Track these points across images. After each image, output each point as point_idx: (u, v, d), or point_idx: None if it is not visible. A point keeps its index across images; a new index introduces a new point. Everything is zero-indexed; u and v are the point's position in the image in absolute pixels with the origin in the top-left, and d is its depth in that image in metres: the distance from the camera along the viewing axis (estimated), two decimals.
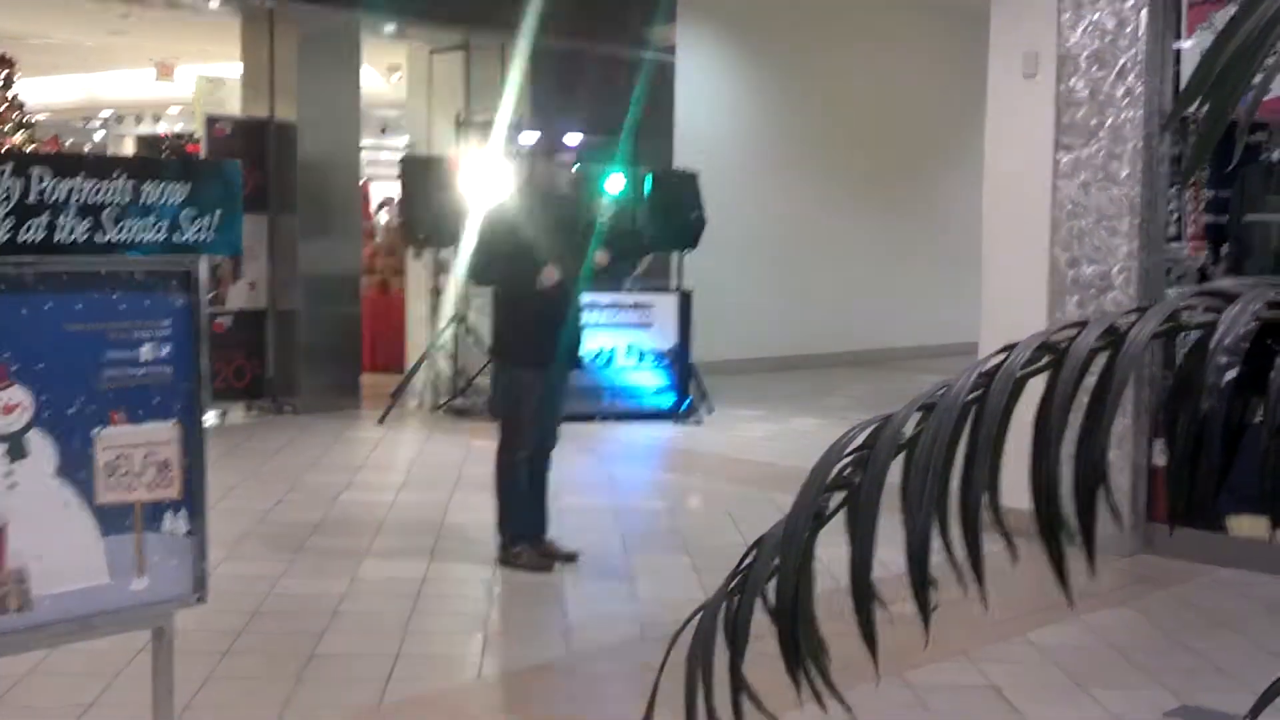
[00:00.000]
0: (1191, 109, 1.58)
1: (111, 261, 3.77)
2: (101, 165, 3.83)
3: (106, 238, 3.75)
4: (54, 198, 3.66)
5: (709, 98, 13.16)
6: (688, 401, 10.24)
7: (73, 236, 3.69)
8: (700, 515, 7.19)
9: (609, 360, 10.06)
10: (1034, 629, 5.11)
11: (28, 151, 15.75)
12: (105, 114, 24.92)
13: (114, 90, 21.81)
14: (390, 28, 11.48)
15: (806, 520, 1.68)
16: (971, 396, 1.67)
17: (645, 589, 5.74)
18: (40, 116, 21.16)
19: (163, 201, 3.85)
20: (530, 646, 5.07)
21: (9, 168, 3.60)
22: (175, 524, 3.85)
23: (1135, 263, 6.38)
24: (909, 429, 1.69)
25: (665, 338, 10.22)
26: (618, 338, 10.08)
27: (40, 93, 20.47)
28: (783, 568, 1.67)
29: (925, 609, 1.60)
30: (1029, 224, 6.72)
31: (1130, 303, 6.32)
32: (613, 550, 6.39)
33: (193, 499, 3.86)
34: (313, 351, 10.27)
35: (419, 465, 8.55)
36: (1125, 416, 6.33)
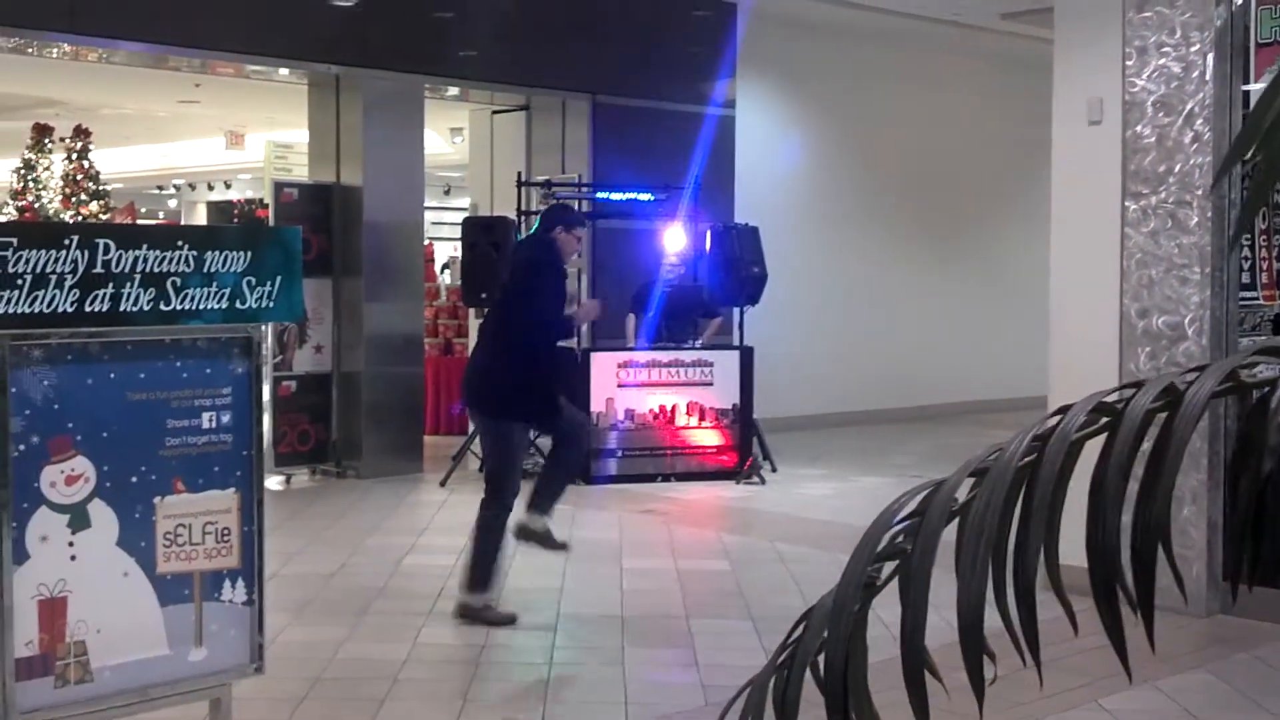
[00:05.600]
0: (1246, 157, 1.53)
1: (174, 330, 3.82)
2: (165, 235, 3.88)
3: (170, 307, 3.80)
4: (119, 268, 3.70)
5: (769, 152, 13.18)
6: (750, 460, 10.16)
7: (137, 306, 3.74)
8: (763, 577, 7.10)
9: (670, 419, 10.04)
10: (1107, 695, 4.98)
11: (98, 221, 16.11)
12: (178, 182, 25.46)
13: (186, 158, 22.28)
14: (453, 91, 11.64)
15: (856, 590, 1.64)
16: (1025, 461, 1.63)
17: (706, 654, 5.66)
18: (116, 185, 21.65)
19: (225, 270, 3.89)
20: (590, 714, 5.01)
21: (75, 239, 3.65)
22: (234, 593, 3.87)
23: (1207, 312, 6.25)
24: (962, 494, 1.65)
25: (727, 395, 10.17)
26: (679, 396, 10.05)
27: (116, 162, 20.95)
28: (831, 639, 1.62)
29: (978, 681, 1.55)
30: (1097, 274, 6.63)
31: (1202, 354, 6.20)
32: (674, 613, 6.33)
33: (251, 568, 3.88)
34: (376, 414, 10.32)
35: None
36: (1200, 472, 6.19)
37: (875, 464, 11.15)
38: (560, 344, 6.78)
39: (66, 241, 3.58)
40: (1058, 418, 1.65)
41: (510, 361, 6.18)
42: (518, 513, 6.28)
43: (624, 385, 9.93)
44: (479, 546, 6.16)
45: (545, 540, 6.33)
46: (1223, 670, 5.41)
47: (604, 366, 9.89)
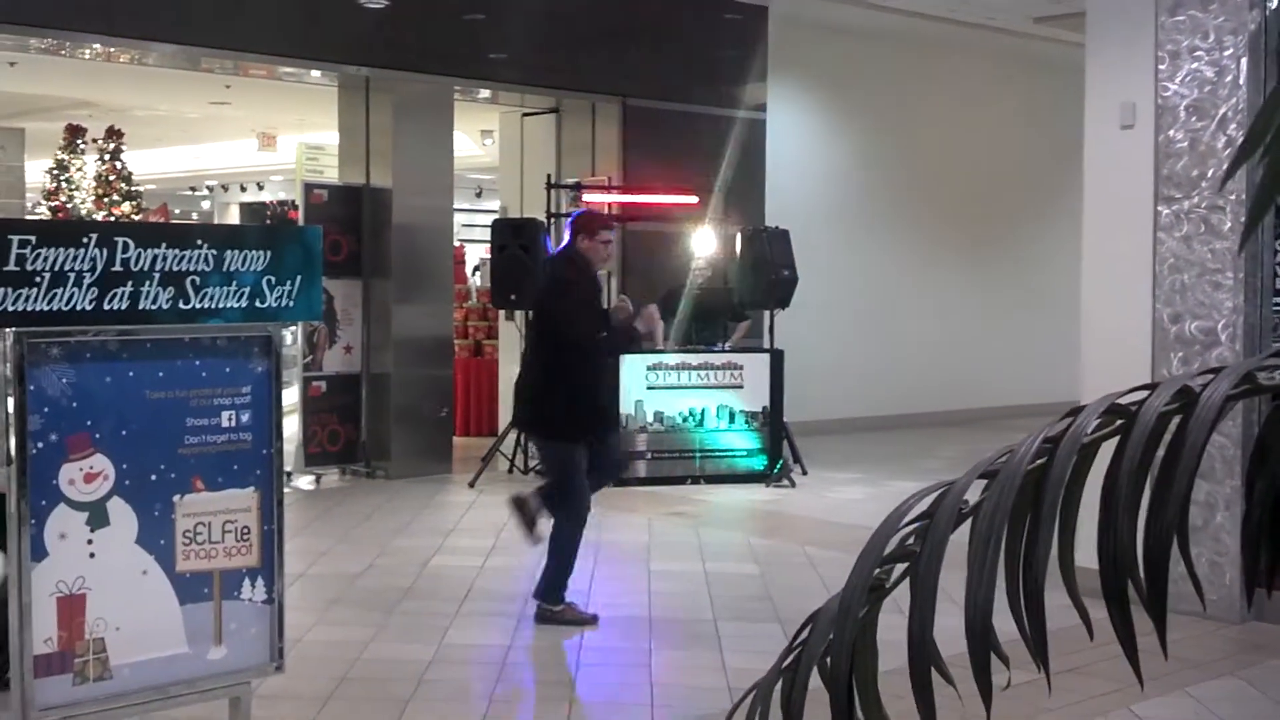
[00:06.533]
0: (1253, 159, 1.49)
1: (194, 329, 3.82)
2: (184, 234, 3.87)
3: (190, 305, 3.79)
4: (138, 266, 3.70)
5: (800, 155, 13.12)
6: (780, 463, 10.11)
7: (157, 304, 3.73)
8: (792, 581, 7.06)
9: (700, 422, 10.00)
10: (1138, 701, 4.91)
11: (116, 221, 16.22)
12: (210, 183, 25.63)
13: (218, 159, 22.42)
14: (483, 93, 11.64)
15: (862, 593, 1.61)
16: (1036, 464, 1.59)
17: (734, 658, 5.62)
18: (149, 186, 21.81)
19: (244, 269, 3.89)
20: (616, 716, 4.99)
21: (94, 238, 3.65)
22: (254, 592, 3.86)
23: (1240, 318, 6.17)
24: (973, 496, 1.61)
25: (757, 398, 10.12)
26: (708, 398, 10.01)
27: (148, 163, 21.10)
28: (837, 642, 1.59)
29: (985, 685, 1.51)
30: (1130, 279, 6.55)
31: (1235, 359, 6.11)
32: (702, 617, 6.29)
33: (271, 566, 3.87)
34: (405, 415, 10.34)
35: (509, 530, 8.50)
36: (1234, 479, 6.11)
37: (906, 468, 11.08)
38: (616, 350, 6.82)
39: (85, 239, 3.59)
40: (1070, 419, 1.61)
41: (549, 383, 6.18)
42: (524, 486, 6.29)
43: (653, 387, 9.91)
44: (554, 560, 6.19)
45: (529, 522, 6.36)
46: (1255, 677, 5.34)
47: (633, 369, 9.86)
